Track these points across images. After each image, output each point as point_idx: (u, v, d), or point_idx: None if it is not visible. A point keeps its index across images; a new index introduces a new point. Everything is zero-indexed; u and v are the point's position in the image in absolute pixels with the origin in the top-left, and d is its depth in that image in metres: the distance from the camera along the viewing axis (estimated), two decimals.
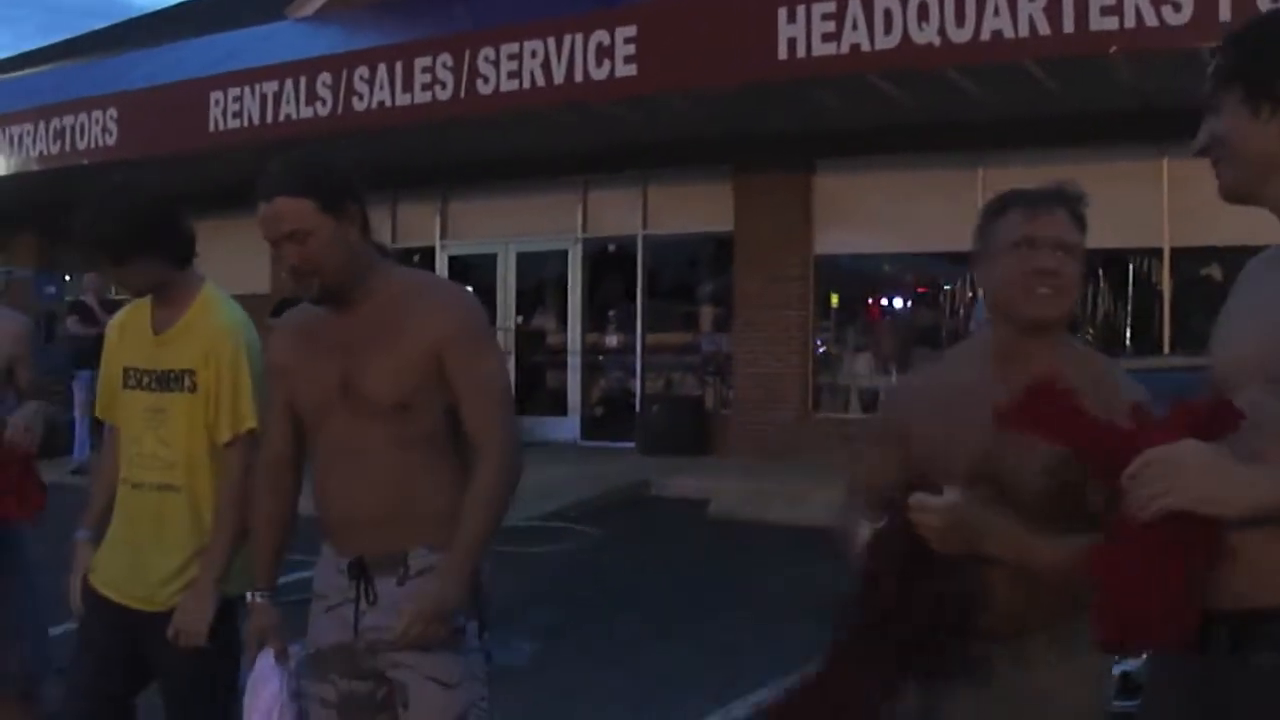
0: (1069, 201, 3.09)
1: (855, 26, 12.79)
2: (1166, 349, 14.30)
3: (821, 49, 13.03)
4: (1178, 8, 11.31)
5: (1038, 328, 3.06)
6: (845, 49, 12.93)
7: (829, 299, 17.12)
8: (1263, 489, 2.24)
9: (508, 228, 18.90)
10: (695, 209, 17.61)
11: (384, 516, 3.51)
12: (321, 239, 3.47)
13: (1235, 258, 14.50)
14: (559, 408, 18.70)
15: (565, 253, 18.78)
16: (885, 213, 16.01)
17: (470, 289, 3.65)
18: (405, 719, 3.50)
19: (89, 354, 5.18)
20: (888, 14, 12.60)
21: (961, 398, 3.10)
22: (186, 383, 4.20)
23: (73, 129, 19.28)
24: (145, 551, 4.21)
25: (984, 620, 2.95)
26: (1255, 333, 2.42)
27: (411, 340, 3.47)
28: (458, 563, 3.42)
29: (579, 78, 14.46)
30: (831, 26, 12.94)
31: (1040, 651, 3.04)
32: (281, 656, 3.74)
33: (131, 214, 4.14)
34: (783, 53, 13.20)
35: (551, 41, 14.67)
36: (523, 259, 19.02)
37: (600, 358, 18.98)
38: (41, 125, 19.84)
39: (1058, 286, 3.02)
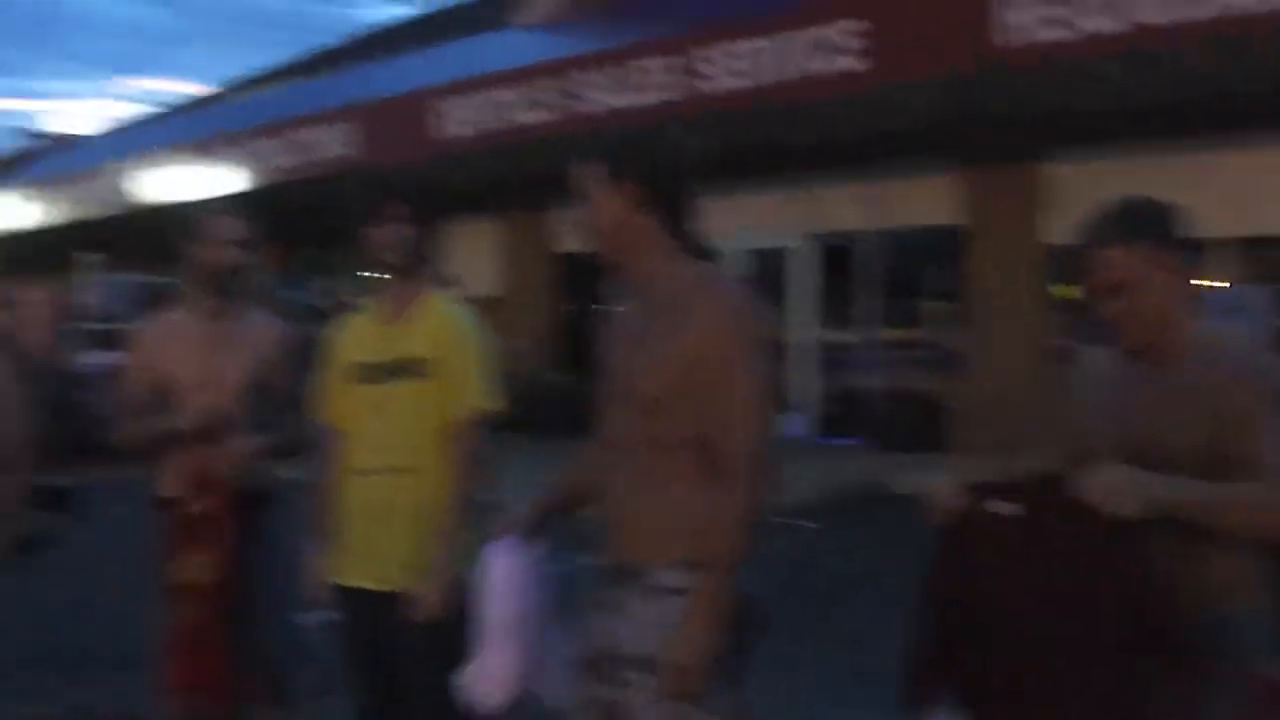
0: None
1: (1082, 10, 12.46)
2: None
3: (1045, 34, 12.72)
4: None
5: None
6: (1069, 33, 12.61)
7: (1063, 291, 16.74)
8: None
9: (735, 226, 18.88)
10: (925, 202, 17.36)
11: (634, 520, 3.45)
12: (595, 201, 3.51)
13: None
14: (790, 404, 18.62)
15: (793, 249, 18.69)
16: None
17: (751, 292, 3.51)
18: None
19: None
20: None
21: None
22: (417, 370, 4.38)
23: (313, 141, 19.82)
24: (378, 534, 4.40)
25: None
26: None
27: (677, 336, 3.37)
28: (703, 601, 3.29)
29: (800, 74, 14.36)
30: (1057, 11, 12.62)
31: None
32: (523, 539, 3.73)
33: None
34: (1006, 39, 12.93)
35: (771, 39, 14.60)
36: (752, 256, 18.99)
37: (832, 354, 18.82)
38: (284, 138, 20.43)
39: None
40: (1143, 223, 3.32)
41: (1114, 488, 3.03)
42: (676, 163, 3.61)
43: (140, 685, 5.32)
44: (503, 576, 3.64)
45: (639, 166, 3.51)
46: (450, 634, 4.30)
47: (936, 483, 3.12)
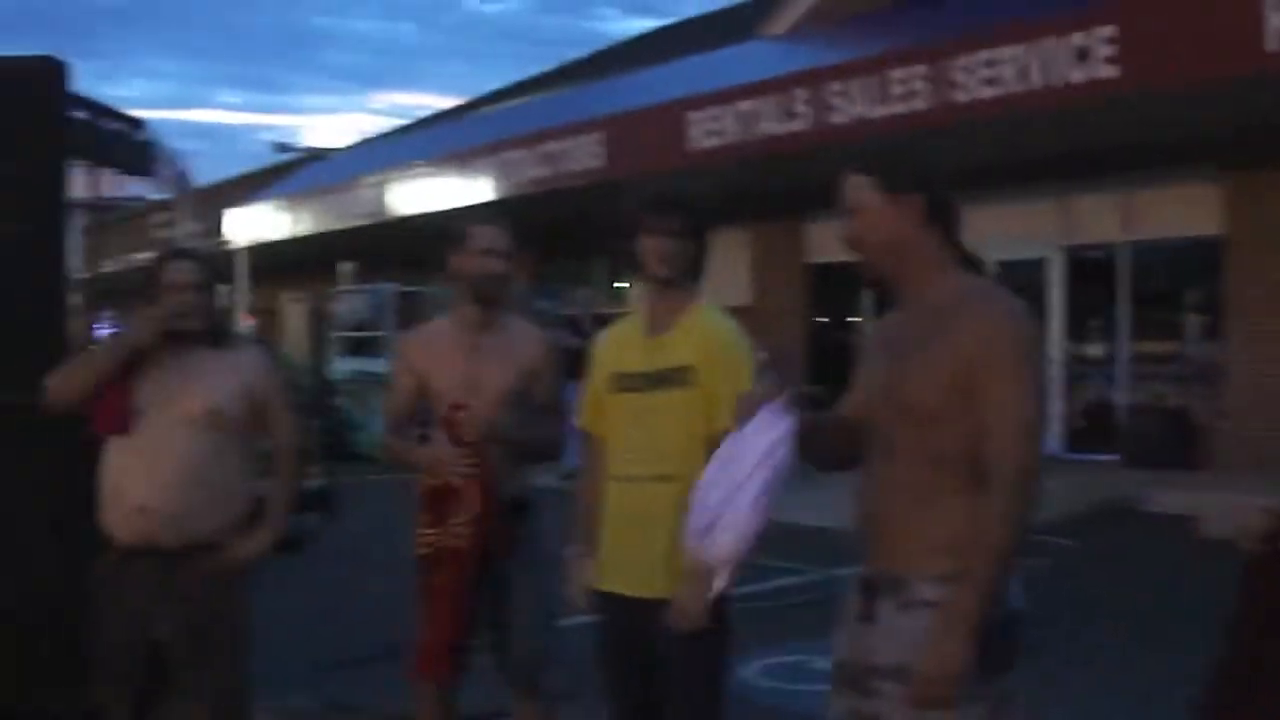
0: None
1: None
2: None
3: None
4: None
5: None
6: None
7: None
8: None
9: (987, 236, 18.63)
10: (1181, 212, 16.92)
11: (895, 531, 3.43)
12: (868, 215, 3.50)
13: None
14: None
15: (1045, 260, 18.41)
16: None
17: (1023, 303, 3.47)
18: None
19: (580, 365, 5.36)
20: None
21: None
22: (683, 378, 4.41)
23: (561, 152, 20.11)
24: (639, 540, 4.44)
25: None
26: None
27: (949, 347, 3.35)
28: (958, 613, 3.26)
29: (1057, 82, 14.13)
30: None
31: None
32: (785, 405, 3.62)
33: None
34: (1272, 44, 12.56)
35: (1027, 46, 14.40)
36: (1002, 268, 18.72)
37: (1082, 367, 18.47)
38: (533, 150, 20.76)
39: None
40: None
41: None
42: (945, 173, 3.61)
43: (397, 681, 5.47)
44: (768, 437, 3.55)
45: (918, 179, 3.52)
46: (711, 644, 4.36)
47: (1246, 511, 2.98)
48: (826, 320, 21.51)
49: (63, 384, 5.00)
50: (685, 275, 4.57)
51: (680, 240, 4.50)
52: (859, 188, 3.50)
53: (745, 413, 3.58)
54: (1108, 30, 13.70)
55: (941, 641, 3.24)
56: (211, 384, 5.03)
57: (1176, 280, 18.11)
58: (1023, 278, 18.23)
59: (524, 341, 5.37)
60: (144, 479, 4.89)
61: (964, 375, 3.31)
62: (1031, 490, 3.30)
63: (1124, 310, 17.77)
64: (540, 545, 5.30)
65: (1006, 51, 14.55)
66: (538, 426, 5.20)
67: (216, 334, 5.17)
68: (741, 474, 3.56)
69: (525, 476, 5.33)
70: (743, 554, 3.64)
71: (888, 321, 3.69)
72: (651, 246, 4.51)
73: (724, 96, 17.69)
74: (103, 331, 12.72)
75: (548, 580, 5.18)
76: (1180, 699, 6.94)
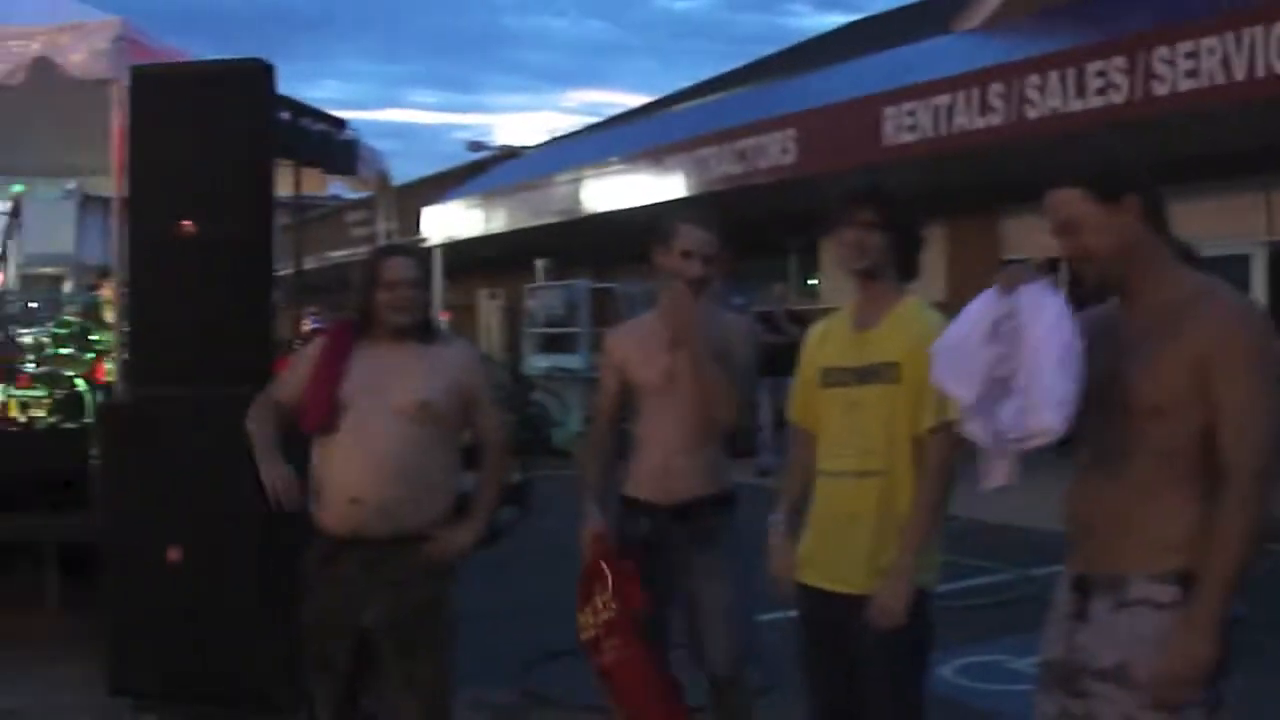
0: None
1: None
2: None
3: None
4: None
5: None
6: None
7: None
8: None
9: (1187, 231, 18.15)
10: None
11: (1114, 528, 3.43)
12: (1090, 227, 3.49)
13: None
14: None
15: (1249, 256, 17.98)
16: None
17: (1257, 302, 3.46)
18: None
19: (774, 361, 5.41)
20: None
21: None
22: (889, 374, 4.42)
23: (754, 149, 20.11)
24: (844, 536, 4.47)
25: None
26: None
27: (1181, 344, 3.37)
28: (1203, 612, 3.26)
29: (1260, 72, 13.81)
30: None
31: None
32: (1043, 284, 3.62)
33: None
34: None
35: (1230, 37, 14.08)
36: (1204, 263, 18.31)
37: None
38: (725, 147, 20.79)
39: None
40: None
41: None
42: (1138, 164, 3.59)
43: (589, 673, 5.54)
44: (1053, 313, 3.52)
45: (1132, 180, 3.50)
46: (911, 643, 4.38)
47: None
48: None
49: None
50: (888, 268, 4.58)
51: (877, 232, 4.52)
52: (1071, 202, 3.48)
53: (1008, 282, 3.61)
54: None
55: (1186, 641, 3.25)
56: (422, 378, 5.17)
57: None
58: (1225, 273, 17.76)
59: (728, 334, 5.40)
60: (356, 470, 5.04)
61: (1199, 372, 3.33)
62: (1269, 489, 3.30)
63: None
64: (736, 541, 5.35)
65: (1206, 42, 14.25)
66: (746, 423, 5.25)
67: (426, 329, 5.31)
68: (1033, 343, 3.51)
69: (726, 471, 5.39)
70: (1068, 422, 3.46)
71: (1096, 316, 3.67)
72: (847, 238, 4.54)
73: (919, 91, 17.55)
74: (313, 324, 13.02)
75: (744, 577, 5.24)
76: None
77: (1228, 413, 3.29)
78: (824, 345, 4.74)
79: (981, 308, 3.66)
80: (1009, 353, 3.52)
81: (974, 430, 3.66)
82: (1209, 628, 3.24)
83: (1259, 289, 17.86)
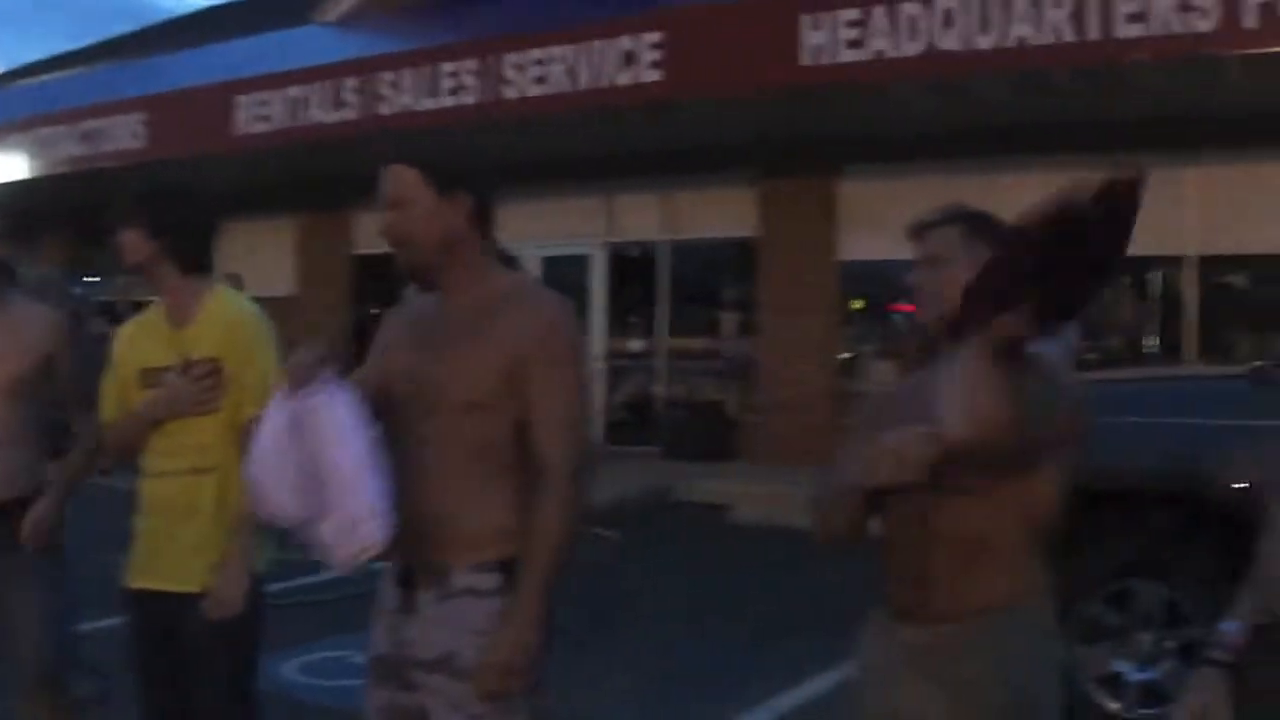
0: (953, 220, 3.35)
1: (880, 34, 12.81)
2: (1194, 357, 14.26)
3: (846, 56, 13.06)
4: (1204, 14, 11.30)
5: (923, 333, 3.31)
6: (870, 56, 12.96)
7: (853, 304, 17.10)
8: None
9: (531, 231, 18.89)
10: (719, 214, 17.57)
11: (433, 519, 3.43)
12: (419, 212, 3.45)
13: (1262, 265, 14.48)
14: None
15: (589, 257, 18.79)
16: (910, 219, 15.91)
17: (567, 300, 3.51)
18: None
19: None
20: (913, 21, 12.63)
21: (903, 401, 3.25)
22: (210, 369, 4.31)
23: (100, 131, 19.41)
24: (177, 534, 4.32)
25: (928, 603, 3.10)
26: None
27: (496, 342, 3.37)
28: (526, 602, 3.30)
29: (604, 83, 14.48)
30: (856, 34, 12.96)
31: (983, 635, 3.07)
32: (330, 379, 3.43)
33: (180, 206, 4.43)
34: (807, 59, 13.23)
35: (577, 47, 14.70)
36: (546, 263, 19.02)
37: (623, 362, 18.97)
38: (70, 127, 19.97)
39: (922, 299, 3.29)
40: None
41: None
42: (491, 171, 3.64)
43: None
44: (343, 415, 3.38)
45: (469, 180, 3.53)
46: (247, 634, 4.32)
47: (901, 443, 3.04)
48: (377, 312, 21.34)
49: None
50: (188, 265, 4.44)
51: (141, 233, 4.39)
52: (408, 182, 3.47)
53: (296, 383, 3.41)
54: (654, 36, 14.15)
55: (512, 629, 3.28)
56: None
57: (715, 279, 18.78)
58: (567, 273, 18.58)
59: (30, 323, 5.11)
60: None
61: (511, 369, 3.34)
62: (584, 479, 3.38)
63: (663, 307, 18.33)
64: (60, 546, 5.08)
65: (556, 51, 14.82)
66: (82, 423, 4.96)
67: None
68: (350, 456, 3.36)
69: (40, 470, 5.09)
70: (384, 533, 3.35)
71: (407, 310, 3.69)
72: (125, 240, 4.41)
73: (272, 81, 17.40)
74: None
75: (60, 581, 5.00)
76: (715, 683, 7.28)
77: (540, 413, 3.36)
78: (138, 345, 4.54)
79: (276, 414, 3.51)
80: (315, 450, 3.43)
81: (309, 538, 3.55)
82: (532, 616, 3.29)
83: (598, 287, 18.70)
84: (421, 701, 3.40)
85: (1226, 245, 14.13)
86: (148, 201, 4.43)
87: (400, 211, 3.46)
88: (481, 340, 3.39)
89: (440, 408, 3.40)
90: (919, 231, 3.38)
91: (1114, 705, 6.21)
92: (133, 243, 4.40)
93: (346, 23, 21.26)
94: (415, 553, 3.43)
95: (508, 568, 3.35)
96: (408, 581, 3.45)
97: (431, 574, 3.41)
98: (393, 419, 3.49)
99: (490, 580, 3.36)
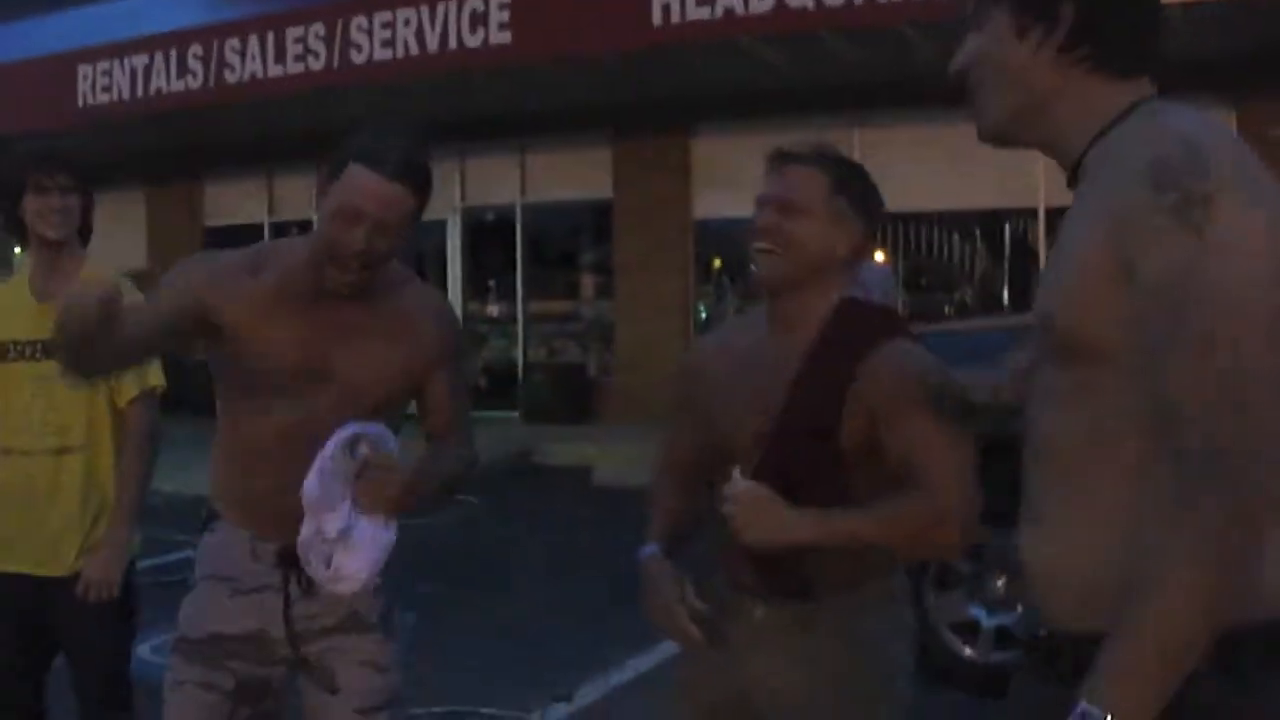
0: (816, 160, 3.02)
1: None
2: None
3: (695, 14, 13.09)
4: None
5: (764, 286, 3.08)
6: (719, 13, 13.00)
7: (710, 263, 17.19)
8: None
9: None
10: (574, 176, 17.59)
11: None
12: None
13: None
14: None
15: (444, 222, 18.68)
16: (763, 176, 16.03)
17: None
18: (324, 703, 3.36)
19: None
20: None
21: (743, 361, 3.09)
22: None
23: None
24: (43, 515, 4.21)
25: (775, 582, 2.99)
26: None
27: (411, 343, 3.34)
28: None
29: (453, 46, 14.39)
30: None
31: (836, 610, 2.99)
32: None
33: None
34: (657, 18, 13.24)
35: (425, 10, 14.58)
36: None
37: (481, 326, 18.90)
38: None
39: (773, 244, 2.99)
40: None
41: (751, 512, 2.80)
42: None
43: None
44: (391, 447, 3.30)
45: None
46: (124, 615, 4.26)
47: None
48: None
49: None
50: (76, 235, 4.38)
51: (74, 197, 4.31)
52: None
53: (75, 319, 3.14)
54: None
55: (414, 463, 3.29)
56: None
57: (571, 242, 18.79)
58: (423, 240, 18.47)
59: None
60: None
61: (419, 370, 3.37)
62: (473, 459, 3.49)
63: (521, 271, 18.28)
64: None
65: (404, 13, 14.69)
66: None
67: None
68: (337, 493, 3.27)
69: None
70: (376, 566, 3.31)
71: (323, 304, 3.59)
72: (42, 206, 4.28)
73: (116, 50, 17.07)
74: None
75: None
76: (578, 648, 7.28)
77: (446, 405, 3.42)
78: (1, 318, 4.43)
79: (341, 432, 3.35)
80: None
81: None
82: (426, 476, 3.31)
83: (456, 254, 18.62)
84: (321, 665, 3.34)
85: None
86: (76, 165, 4.35)
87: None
88: (399, 338, 3.35)
89: (345, 402, 3.30)
90: (780, 162, 3.04)
91: (969, 651, 6.32)
92: (54, 207, 4.31)
93: None
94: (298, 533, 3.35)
95: None
96: (294, 563, 3.33)
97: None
98: (274, 407, 3.32)
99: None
